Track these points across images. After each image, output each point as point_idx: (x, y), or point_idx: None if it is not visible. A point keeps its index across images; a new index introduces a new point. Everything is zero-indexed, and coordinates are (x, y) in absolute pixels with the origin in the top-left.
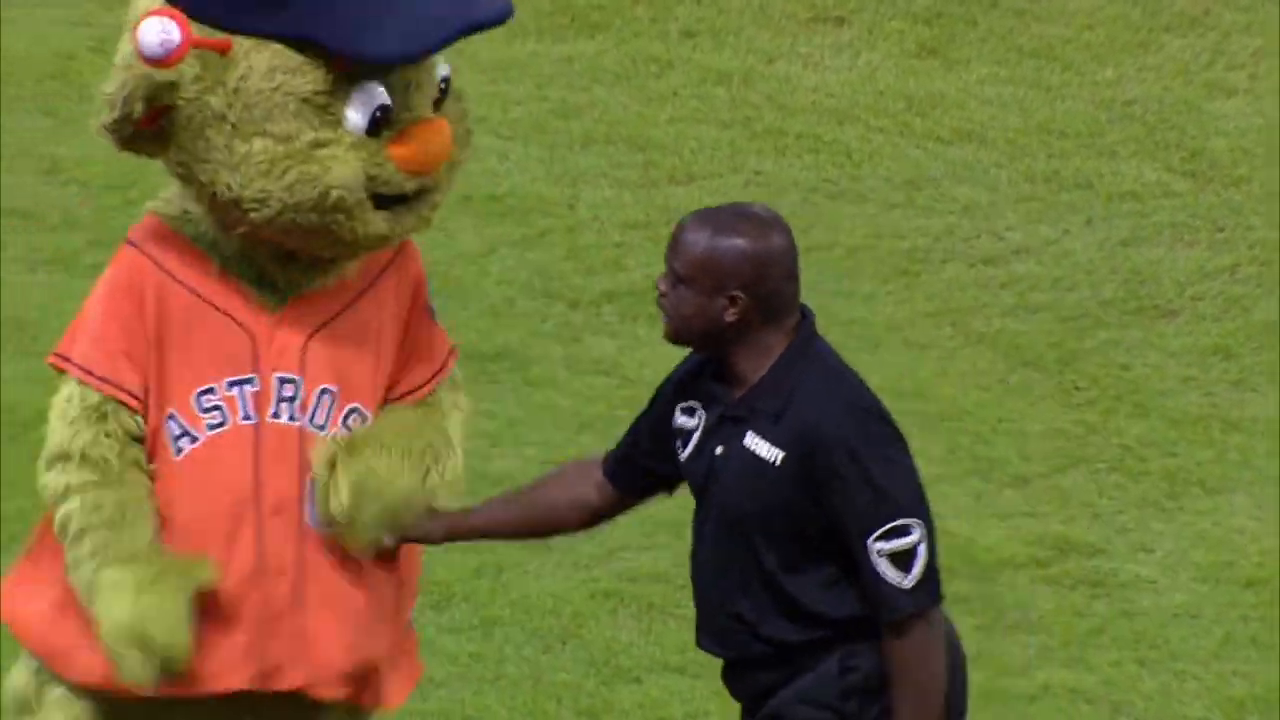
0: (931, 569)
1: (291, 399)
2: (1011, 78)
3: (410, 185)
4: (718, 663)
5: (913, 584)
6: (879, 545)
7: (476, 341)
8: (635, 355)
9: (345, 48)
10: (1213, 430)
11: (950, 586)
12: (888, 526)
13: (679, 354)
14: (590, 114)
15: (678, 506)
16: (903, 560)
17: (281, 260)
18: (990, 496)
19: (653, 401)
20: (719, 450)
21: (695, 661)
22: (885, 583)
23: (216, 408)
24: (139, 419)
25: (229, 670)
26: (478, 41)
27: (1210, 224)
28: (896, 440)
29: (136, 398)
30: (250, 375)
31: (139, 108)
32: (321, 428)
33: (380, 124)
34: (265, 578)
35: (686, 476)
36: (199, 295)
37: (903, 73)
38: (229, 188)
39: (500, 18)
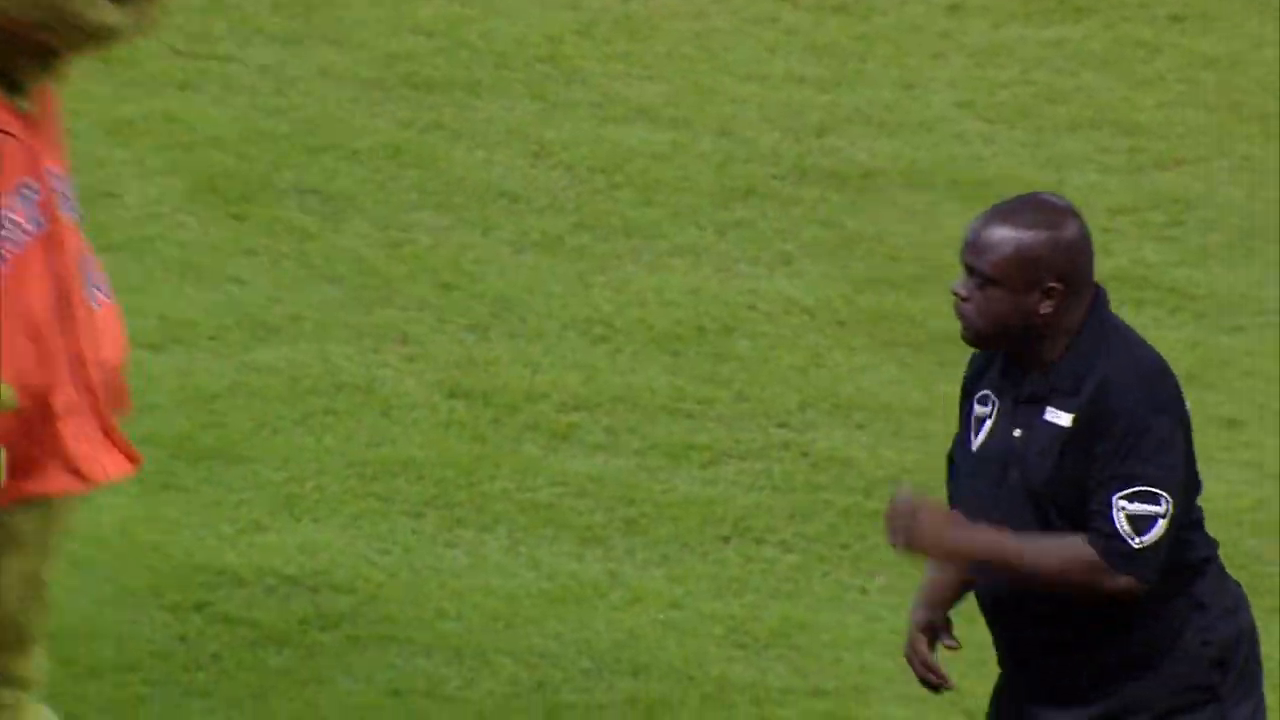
0: (1161, 549)
1: (63, 192)
2: None
3: None
4: None
5: (1140, 547)
6: (1123, 503)
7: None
8: None
9: None
10: None
11: None
12: (1139, 489)
13: (1167, 335)
14: (1077, 98)
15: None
16: (1141, 524)
17: (15, 55)
18: None
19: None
20: (1018, 433)
21: None
22: (1118, 533)
23: (15, 222)
24: None
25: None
26: (964, 26)
27: None
28: (1177, 414)
29: None
30: (31, 179)
31: None
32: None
33: None
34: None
35: (972, 465)
36: None
37: None
38: None
39: None
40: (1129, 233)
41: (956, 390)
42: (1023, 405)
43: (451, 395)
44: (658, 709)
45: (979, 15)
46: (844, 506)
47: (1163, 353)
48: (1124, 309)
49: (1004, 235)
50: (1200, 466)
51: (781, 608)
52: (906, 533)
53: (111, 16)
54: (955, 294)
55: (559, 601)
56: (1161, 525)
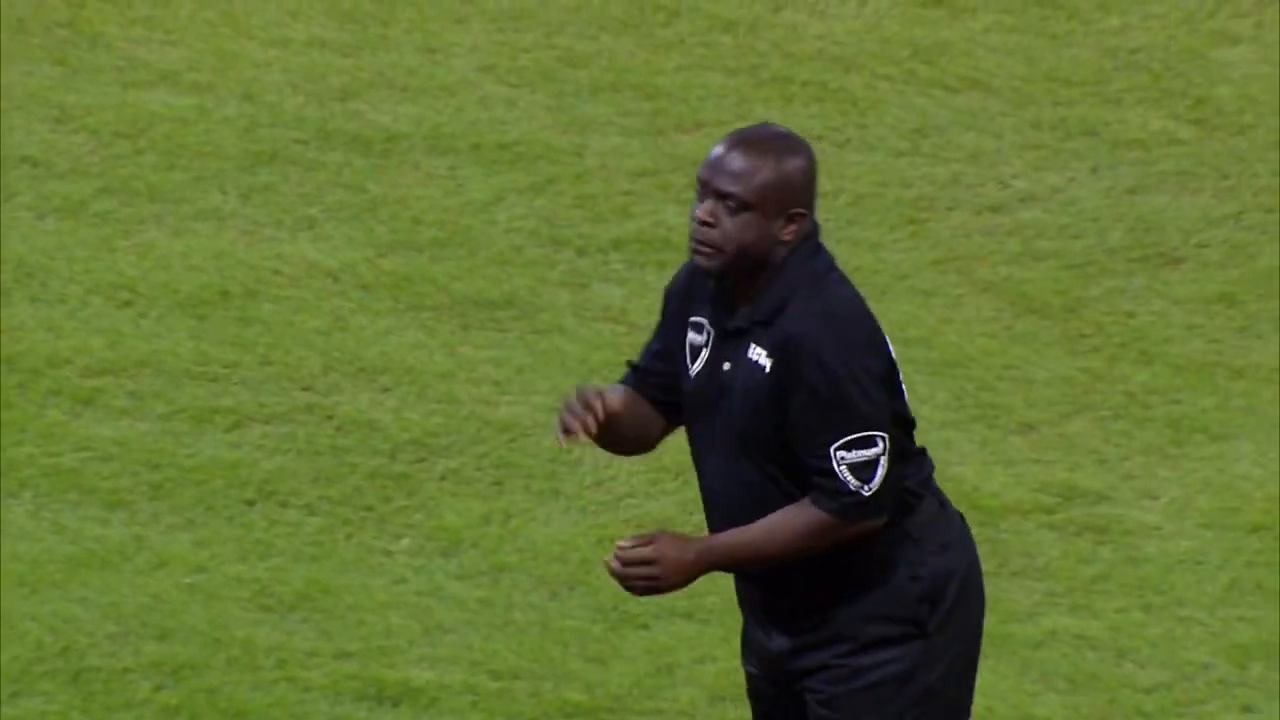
0: (890, 485)
1: None
2: (1017, 25)
3: None
4: (725, 608)
5: (871, 493)
6: (841, 453)
7: (485, 289)
8: (642, 302)
9: None
10: (1217, 377)
11: None
12: (853, 436)
13: None
14: (598, 62)
15: (683, 452)
16: (864, 471)
17: None
18: (996, 443)
19: (662, 318)
20: (726, 366)
21: (703, 607)
22: (845, 488)
23: None
24: None
25: None
26: None
27: (1215, 171)
28: (871, 350)
29: None
30: None
31: None
32: None
33: None
34: None
35: (690, 395)
36: None
37: (909, 21)
38: None
39: None
40: (650, 195)
41: (478, 354)
42: (730, 337)
43: None
44: (184, 672)
45: None
46: (369, 469)
47: None
48: (646, 270)
49: (761, 162)
50: None
51: (306, 571)
52: (650, 585)
53: None
54: (700, 220)
55: (84, 566)
56: (883, 464)
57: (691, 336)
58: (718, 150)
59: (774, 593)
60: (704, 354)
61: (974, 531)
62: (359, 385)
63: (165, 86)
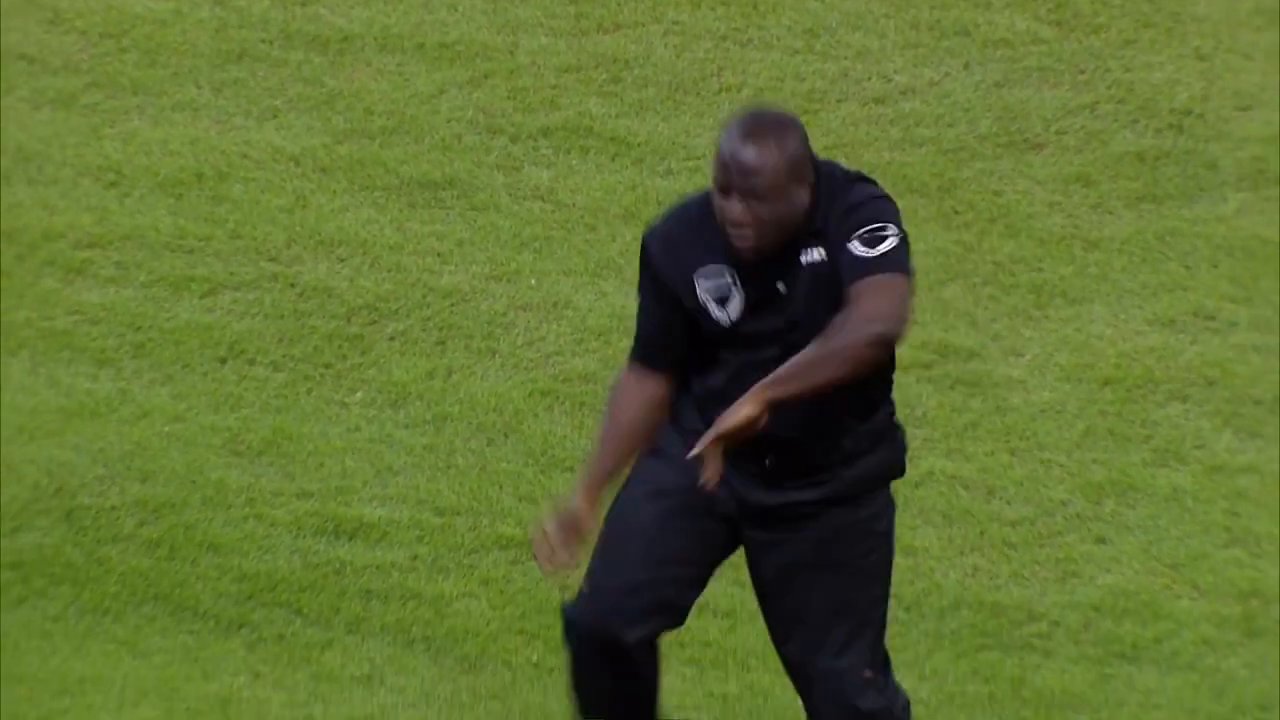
0: (900, 256)
1: None
2: None
3: None
4: None
5: (880, 253)
6: (854, 243)
7: (429, 171)
8: (568, 183)
9: None
10: (1074, 248)
11: None
12: (869, 229)
13: (609, 178)
14: None
15: (608, 315)
16: (871, 241)
17: None
18: None
19: (651, 289)
20: (781, 287)
21: None
22: (855, 256)
23: None
24: None
25: None
26: None
27: (1073, 67)
28: (889, 206)
29: None
30: None
31: None
32: None
33: None
34: None
35: (740, 334)
36: None
37: None
38: None
39: None
40: (575, 89)
41: (423, 228)
42: (775, 262)
43: None
44: (164, 510)
45: None
46: (327, 331)
47: (606, 194)
48: (571, 155)
49: (768, 153)
50: (629, 303)
51: (272, 420)
52: (723, 433)
53: None
54: (735, 223)
55: (75, 416)
56: (895, 241)
57: (705, 286)
58: (726, 149)
59: (805, 452)
60: (736, 294)
61: None
62: (318, 256)
63: None
